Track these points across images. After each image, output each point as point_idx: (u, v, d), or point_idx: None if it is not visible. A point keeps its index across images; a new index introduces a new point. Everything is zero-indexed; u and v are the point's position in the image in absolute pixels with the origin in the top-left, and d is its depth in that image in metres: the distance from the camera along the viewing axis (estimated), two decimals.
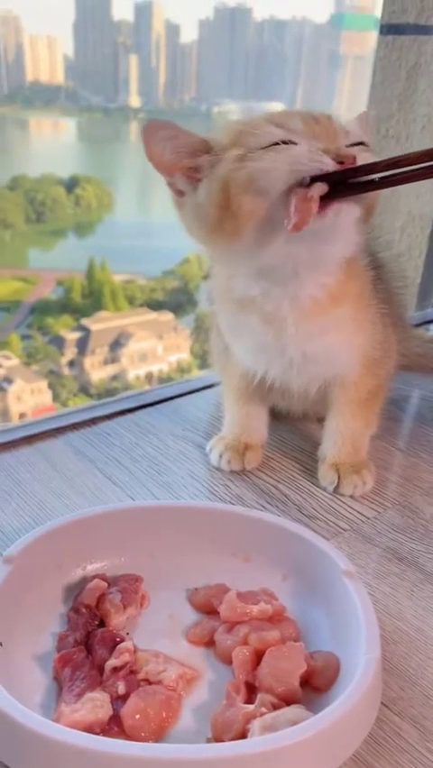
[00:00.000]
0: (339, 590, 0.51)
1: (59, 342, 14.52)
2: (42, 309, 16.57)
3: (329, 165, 0.52)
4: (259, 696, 0.45)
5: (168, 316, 15.33)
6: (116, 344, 14.25)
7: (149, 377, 14.24)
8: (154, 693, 0.46)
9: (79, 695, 0.45)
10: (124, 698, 0.45)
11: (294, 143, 0.53)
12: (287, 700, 0.45)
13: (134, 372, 14.33)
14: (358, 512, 0.69)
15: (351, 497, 0.71)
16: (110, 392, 12.65)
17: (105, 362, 14.26)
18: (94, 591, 0.53)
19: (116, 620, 0.51)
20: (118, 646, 0.49)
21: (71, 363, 14.19)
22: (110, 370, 14.29)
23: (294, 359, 0.66)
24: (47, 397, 13.10)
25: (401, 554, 0.63)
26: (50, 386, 13.44)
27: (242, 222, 0.55)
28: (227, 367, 0.75)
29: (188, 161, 0.57)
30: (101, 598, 0.53)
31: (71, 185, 22.44)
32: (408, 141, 1.13)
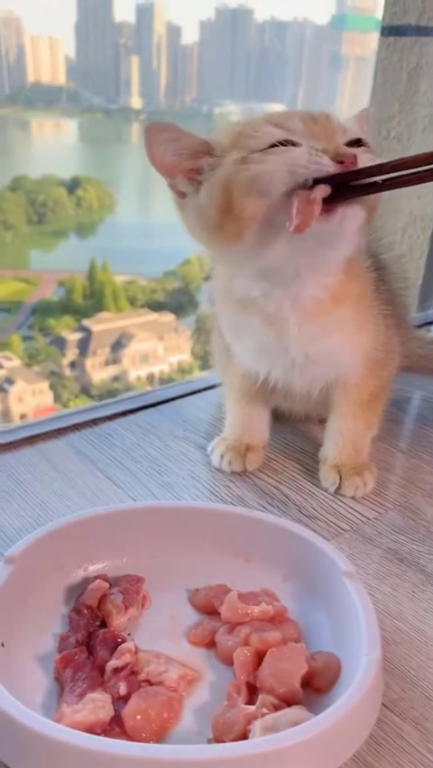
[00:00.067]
0: (340, 591, 0.51)
1: (60, 343, 14.52)
2: (44, 310, 16.58)
3: (328, 165, 0.52)
4: (260, 697, 0.45)
5: (169, 317, 15.34)
6: (118, 345, 14.25)
7: (150, 378, 14.25)
8: (155, 694, 0.46)
9: (81, 695, 0.45)
10: (126, 698, 0.45)
11: (293, 143, 0.53)
12: (288, 701, 0.45)
13: (136, 373, 14.34)
14: (359, 513, 0.69)
15: (352, 498, 0.71)
16: (111, 393, 12.65)
17: (107, 363, 14.26)
18: (95, 592, 0.53)
19: (118, 621, 0.52)
20: (119, 647, 0.49)
21: (72, 364, 14.19)
22: (111, 370, 14.29)
23: (296, 360, 0.66)
24: (48, 398, 13.10)
25: (402, 555, 0.63)
26: (52, 387, 13.45)
27: (244, 224, 0.55)
28: (229, 368, 0.75)
29: (190, 163, 0.57)
30: (102, 599, 0.53)
31: (73, 186, 22.46)
32: (409, 142, 1.14)
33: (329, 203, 0.52)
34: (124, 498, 0.70)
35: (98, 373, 14.20)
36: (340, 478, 0.71)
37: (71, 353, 14.18)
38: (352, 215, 0.54)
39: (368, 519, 0.68)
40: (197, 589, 0.56)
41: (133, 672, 0.47)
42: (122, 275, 17.39)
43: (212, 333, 0.79)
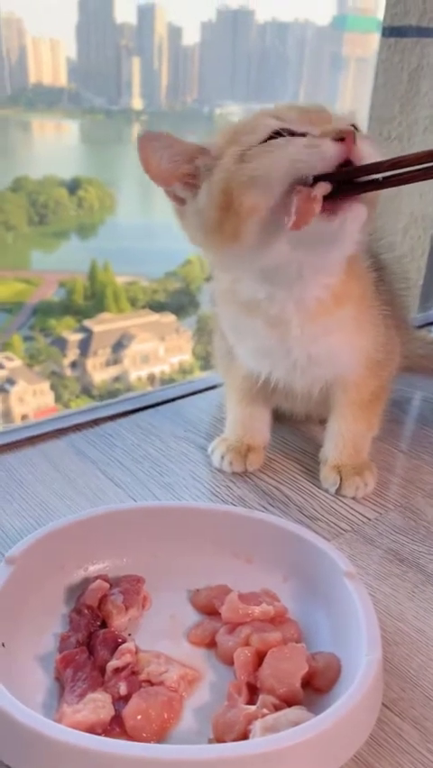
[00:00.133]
0: (340, 591, 0.51)
1: (61, 343, 14.52)
2: (45, 311, 16.57)
3: (329, 148, 0.51)
4: (260, 697, 0.45)
5: (170, 318, 15.33)
6: (119, 346, 14.25)
7: (151, 378, 14.24)
8: (156, 694, 0.46)
9: (81, 696, 0.45)
10: (126, 698, 0.46)
11: (291, 132, 0.53)
12: (288, 701, 0.45)
13: (136, 374, 14.33)
14: (360, 513, 0.69)
15: (353, 498, 0.71)
16: (112, 393, 12.66)
17: (108, 364, 14.25)
18: (96, 592, 0.53)
19: (118, 621, 0.52)
20: (120, 647, 0.49)
21: (73, 365, 14.19)
22: (112, 371, 14.28)
23: (298, 360, 0.66)
24: (49, 398, 13.10)
25: (403, 556, 0.63)
26: (53, 387, 13.44)
27: (242, 219, 0.54)
28: (230, 368, 0.75)
29: (186, 168, 0.57)
30: (103, 599, 0.53)
31: (74, 187, 22.46)
32: (410, 143, 1.14)
33: (329, 200, 0.52)
34: (125, 498, 0.70)
35: (99, 374, 14.20)
36: (341, 478, 0.71)
37: (72, 354, 14.18)
38: (355, 214, 0.54)
39: (369, 520, 0.68)
40: (197, 590, 0.56)
41: (134, 673, 0.47)
42: (123, 276, 17.39)
43: (213, 334, 0.79)
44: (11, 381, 12.42)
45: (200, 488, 0.72)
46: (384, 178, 0.53)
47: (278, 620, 0.52)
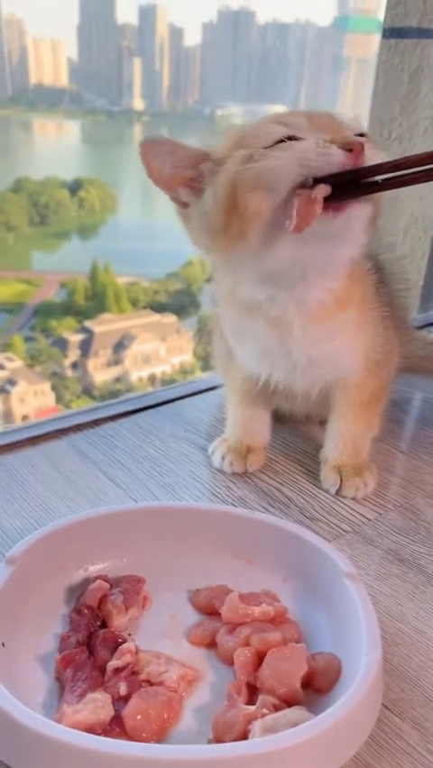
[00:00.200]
0: (340, 592, 0.51)
1: (62, 344, 14.53)
2: (46, 311, 16.59)
3: (338, 155, 0.52)
4: (260, 697, 0.45)
5: (171, 318, 15.34)
6: (120, 346, 14.26)
7: (152, 379, 14.25)
8: (156, 694, 0.46)
9: (81, 696, 0.45)
10: (126, 698, 0.46)
11: (299, 138, 0.53)
12: (288, 702, 0.45)
13: (137, 374, 14.34)
14: (360, 514, 0.69)
15: (353, 499, 0.71)
16: (113, 394, 12.66)
17: (109, 364, 14.27)
18: (96, 592, 0.53)
19: (118, 621, 0.52)
20: (120, 647, 0.49)
21: (74, 365, 14.20)
22: (113, 371, 14.29)
23: (298, 362, 0.66)
24: (50, 398, 13.11)
25: (403, 556, 0.63)
26: (54, 388, 13.46)
27: (247, 222, 0.55)
28: (230, 369, 0.75)
29: (190, 172, 0.57)
30: (103, 600, 0.53)
31: (75, 187, 22.48)
32: (410, 144, 1.14)
33: (330, 202, 0.52)
34: (126, 498, 0.70)
35: (100, 374, 14.21)
36: (341, 479, 0.71)
37: (73, 354, 14.19)
38: (358, 212, 0.54)
39: (369, 520, 0.68)
40: (197, 590, 0.56)
41: (134, 673, 0.47)
42: (124, 276, 17.40)
43: (214, 335, 0.79)
44: (12, 382, 12.43)
45: (201, 488, 0.72)
46: (384, 180, 0.53)
47: (278, 621, 0.52)
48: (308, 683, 0.47)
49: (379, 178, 0.53)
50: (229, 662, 0.49)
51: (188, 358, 14.92)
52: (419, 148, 1.13)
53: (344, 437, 0.72)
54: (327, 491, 0.72)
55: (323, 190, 0.52)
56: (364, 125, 0.62)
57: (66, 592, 0.55)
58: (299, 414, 0.80)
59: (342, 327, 0.64)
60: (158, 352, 14.67)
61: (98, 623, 0.52)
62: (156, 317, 15.30)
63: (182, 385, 0.94)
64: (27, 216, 21.02)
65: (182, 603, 0.55)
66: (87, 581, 0.55)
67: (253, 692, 0.46)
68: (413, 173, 0.53)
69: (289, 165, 0.52)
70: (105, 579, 0.54)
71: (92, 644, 0.50)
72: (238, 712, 0.44)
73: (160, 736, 0.44)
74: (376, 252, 0.72)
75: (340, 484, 0.71)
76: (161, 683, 0.47)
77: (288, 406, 0.76)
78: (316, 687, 0.47)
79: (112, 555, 0.58)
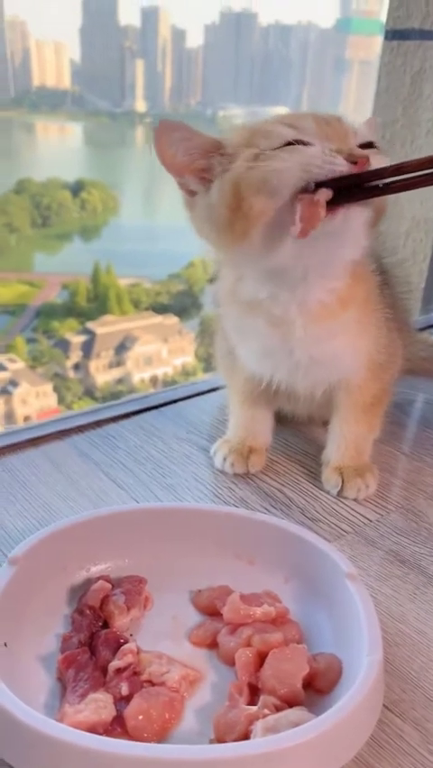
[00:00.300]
0: (342, 593, 0.51)
1: (64, 345, 14.54)
2: (48, 313, 16.59)
3: (342, 165, 0.52)
4: (261, 698, 0.45)
5: (173, 320, 15.34)
6: (121, 348, 14.26)
7: (154, 380, 14.24)
8: (157, 694, 0.46)
9: (83, 696, 0.45)
10: (128, 699, 0.46)
11: (306, 143, 0.54)
12: (289, 702, 0.45)
13: (139, 375, 14.34)
14: (361, 515, 0.69)
15: (354, 500, 0.71)
16: (115, 395, 12.64)
17: (111, 366, 14.27)
18: (98, 593, 0.53)
19: (120, 622, 0.52)
20: (122, 648, 0.49)
21: (76, 366, 14.20)
22: (115, 373, 14.30)
23: (300, 362, 0.66)
24: (52, 400, 13.11)
25: (404, 557, 0.63)
26: (56, 389, 13.46)
27: (251, 222, 0.55)
28: (233, 370, 0.75)
29: (201, 163, 0.57)
30: (105, 600, 0.53)
31: (77, 189, 22.49)
32: (412, 146, 1.14)
33: (332, 206, 0.53)
34: (127, 499, 0.70)
35: (102, 375, 14.21)
36: (342, 480, 0.72)
37: (75, 356, 14.19)
38: (356, 212, 0.55)
39: (370, 521, 0.68)
40: (199, 591, 0.56)
41: (136, 673, 0.48)
42: (126, 278, 17.40)
43: (216, 336, 0.80)
44: (14, 383, 12.44)
45: (202, 489, 0.72)
46: (386, 184, 0.53)
47: (279, 621, 0.52)
48: (309, 684, 0.47)
49: (380, 182, 0.53)
50: (230, 662, 0.49)
51: (189, 359, 14.91)
52: (422, 149, 1.13)
53: (346, 439, 0.73)
54: (328, 492, 0.72)
55: (324, 194, 0.52)
56: (375, 131, 0.62)
57: (68, 593, 0.55)
58: (302, 415, 0.80)
59: (344, 327, 0.65)
60: (160, 353, 14.66)
61: (100, 623, 0.52)
62: (158, 319, 15.30)
63: (184, 386, 0.94)
64: (29, 218, 21.03)
65: (184, 604, 0.55)
66: (89, 582, 0.55)
67: (254, 693, 0.46)
68: (414, 177, 0.54)
69: (293, 169, 0.52)
70: (107, 579, 0.54)
71: (94, 645, 0.50)
72: (240, 712, 0.44)
73: (161, 737, 0.44)
74: (381, 256, 0.72)
75: (342, 485, 0.71)
76: (162, 684, 0.47)
77: (290, 407, 0.77)
78: (317, 687, 0.47)
79: (114, 556, 0.58)
